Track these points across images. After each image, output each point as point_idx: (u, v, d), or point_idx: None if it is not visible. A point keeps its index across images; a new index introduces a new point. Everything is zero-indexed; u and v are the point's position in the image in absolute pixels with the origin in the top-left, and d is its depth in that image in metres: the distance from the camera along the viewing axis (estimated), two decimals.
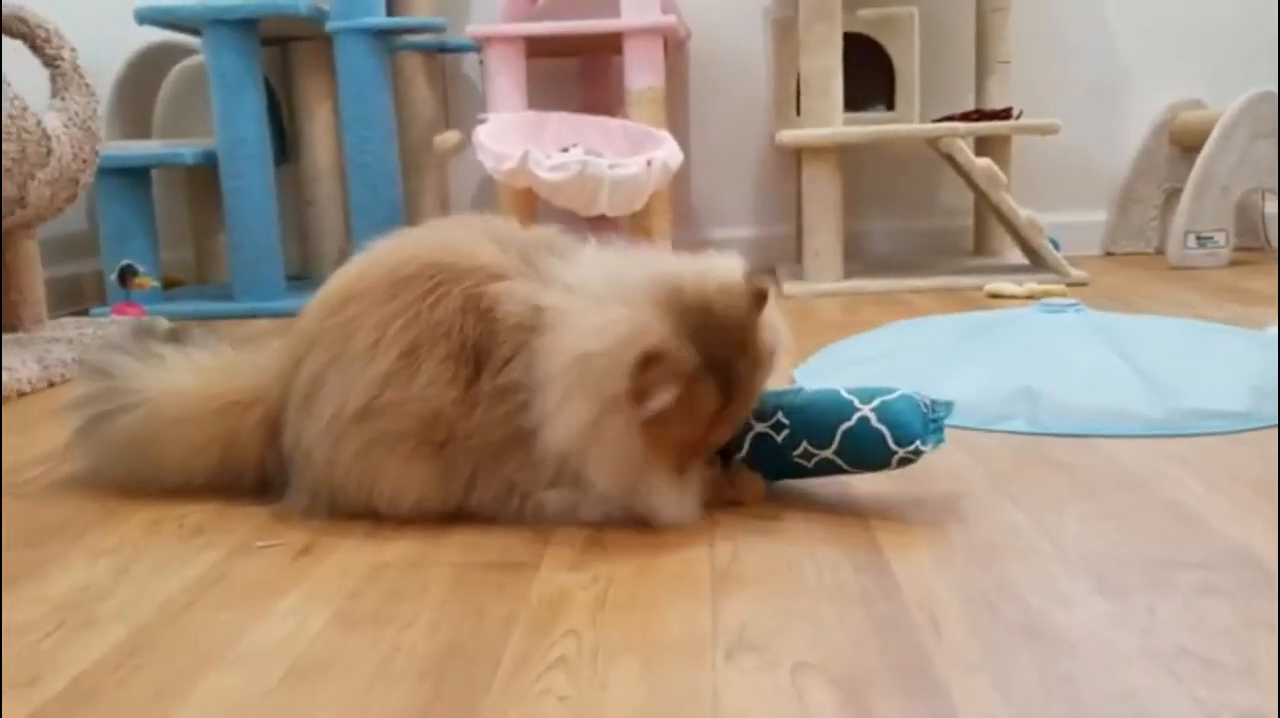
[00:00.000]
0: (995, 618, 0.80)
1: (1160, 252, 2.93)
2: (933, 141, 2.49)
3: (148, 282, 2.38)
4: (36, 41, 2.04)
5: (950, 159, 2.47)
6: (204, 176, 2.81)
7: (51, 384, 1.82)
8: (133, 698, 0.73)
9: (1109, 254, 3.00)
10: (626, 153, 2.45)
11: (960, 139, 2.42)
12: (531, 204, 2.47)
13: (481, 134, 2.29)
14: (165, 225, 2.87)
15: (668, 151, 2.31)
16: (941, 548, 0.94)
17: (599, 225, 2.51)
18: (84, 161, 2.08)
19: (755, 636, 0.79)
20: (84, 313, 2.64)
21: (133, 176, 2.55)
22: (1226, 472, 1.12)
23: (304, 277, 2.97)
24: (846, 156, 2.54)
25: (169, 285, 2.80)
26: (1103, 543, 0.94)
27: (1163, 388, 1.32)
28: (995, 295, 2.31)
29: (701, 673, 0.74)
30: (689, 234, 3.03)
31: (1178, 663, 0.72)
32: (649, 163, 2.22)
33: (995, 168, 2.43)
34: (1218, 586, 0.84)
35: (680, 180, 2.33)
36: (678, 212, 2.85)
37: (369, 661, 0.77)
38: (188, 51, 2.90)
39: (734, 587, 0.87)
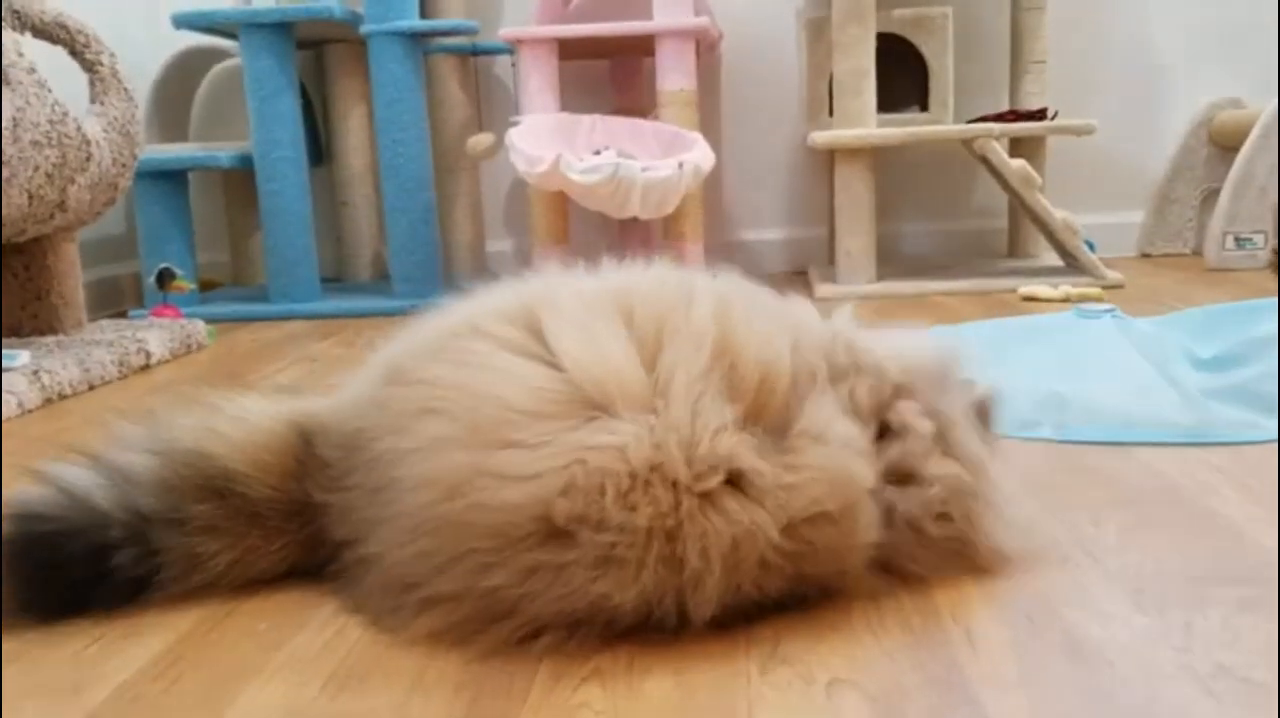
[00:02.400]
0: (1033, 634, 0.80)
1: (1197, 253, 2.90)
2: (967, 143, 2.48)
3: (185, 284, 2.41)
4: (76, 47, 2.06)
5: (985, 160, 2.46)
6: (240, 179, 2.84)
7: (92, 387, 1.85)
8: (177, 706, 0.75)
9: (1145, 255, 2.97)
10: (658, 155, 2.45)
11: (995, 140, 2.40)
12: (563, 206, 2.48)
13: (514, 136, 2.30)
14: (201, 227, 2.90)
15: (700, 154, 2.31)
16: (979, 564, 0.93)
17: (630, 227, 2.52)
18: (123, 166, 2.11)
19: (789, 650, 0.79)
20: (122, 314, 2.68)
21: (170, 180, 2.58)
22: (1263, 482, 1.11)
23: (339, 278, 2.99)
24: (880, 157, 2.53)
25: (205, 288, 2.83)
26: (1141, 556, 0.93)
27: (1193, 399, 1.31)
28: (1030, 298, 2.29)
29: (735, 688, 0.74)
30: (721, 235, 3.03)
31: (1216, 682, 0.71)
32: (681, 165, 2.22)
33: (1030, 169, 2.41)
34: (1256, 602, 0.84)
35: (712, 181, 2.33)
36: (709, 213, 2.85)
37: (406, 672, 0.78)
38: (225, 54, 2.93)
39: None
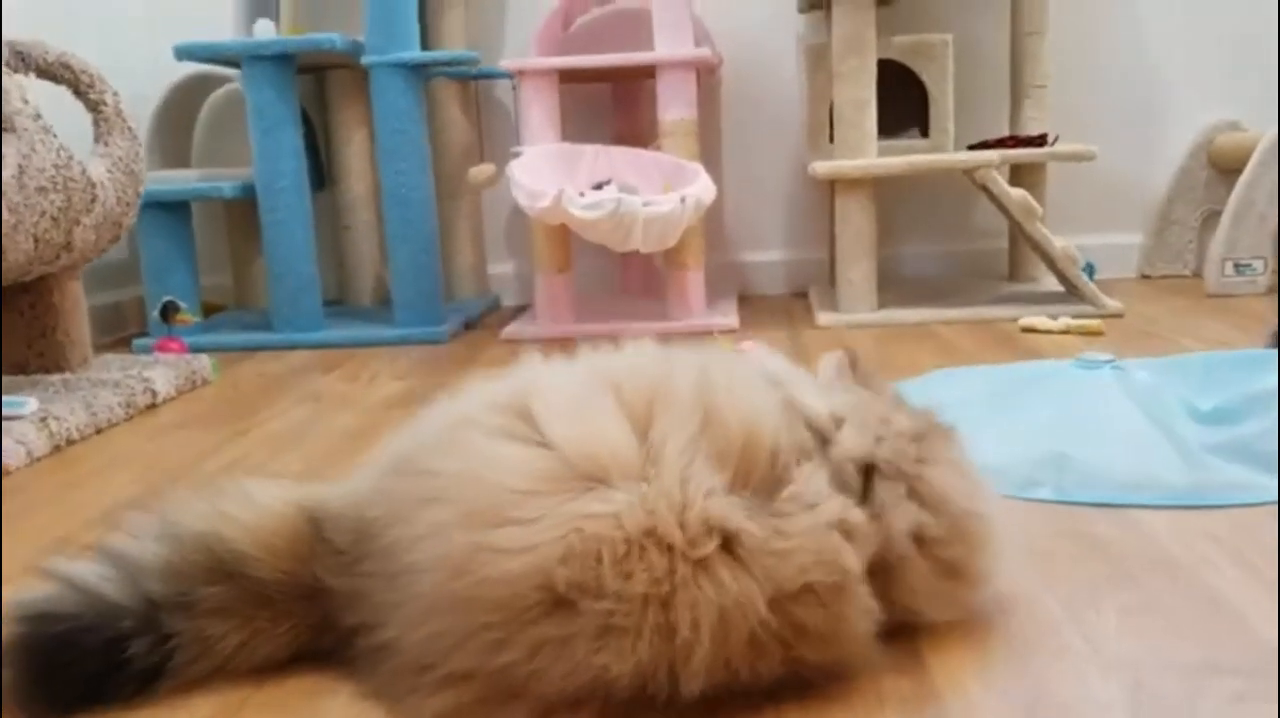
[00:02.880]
0: None
1: (1197, 274, 2.91)
2: (968, 171, 2.49)
3: (190, 318, 2.42)
4: (80, 87, 2.07)
5: (985, 189, 2.47)
6: (243, 204, 2.85)
7: (99, 430, 1.86)
8: None
9: (1145, 277, 2.99)
10: (659, 185, 2.46)
11: (994, 170, 2.42)
12: (565, 235, 2.49)
13: (515, 170, 2.31)
14: (204, 250, 2.91)
15: (701, 187, 2.32)
16: (980, 649, 0.95)
17: (632, 256, 2.53)
18: (127, 204, 2.12)
19: None
20: (126, 341, 2.69)
21: (173, 210, 2.59)
22: (1261, 552, 1.12)
23: (340, 301, 3.00)
24: (881, 183, 2.54)
25: (209, 312, 2.85)
26: (1139, 644, 0.94)
27: (1192, 457, 1.33)
28: (1029, 329, 2.30)
29: None
30: (721, 257, 3.04)
31: None
32: (683, 200, 2.24)
33: (1030, 199, 2.42)
34: (1252, 695, 0.85)
35: (713, 203, 2.34)
36: (710, 235, 2.86)
37: None
38: (225, 80, 2.94)
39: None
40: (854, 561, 0.86)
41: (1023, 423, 1.42)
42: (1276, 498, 1.27)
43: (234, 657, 0.93)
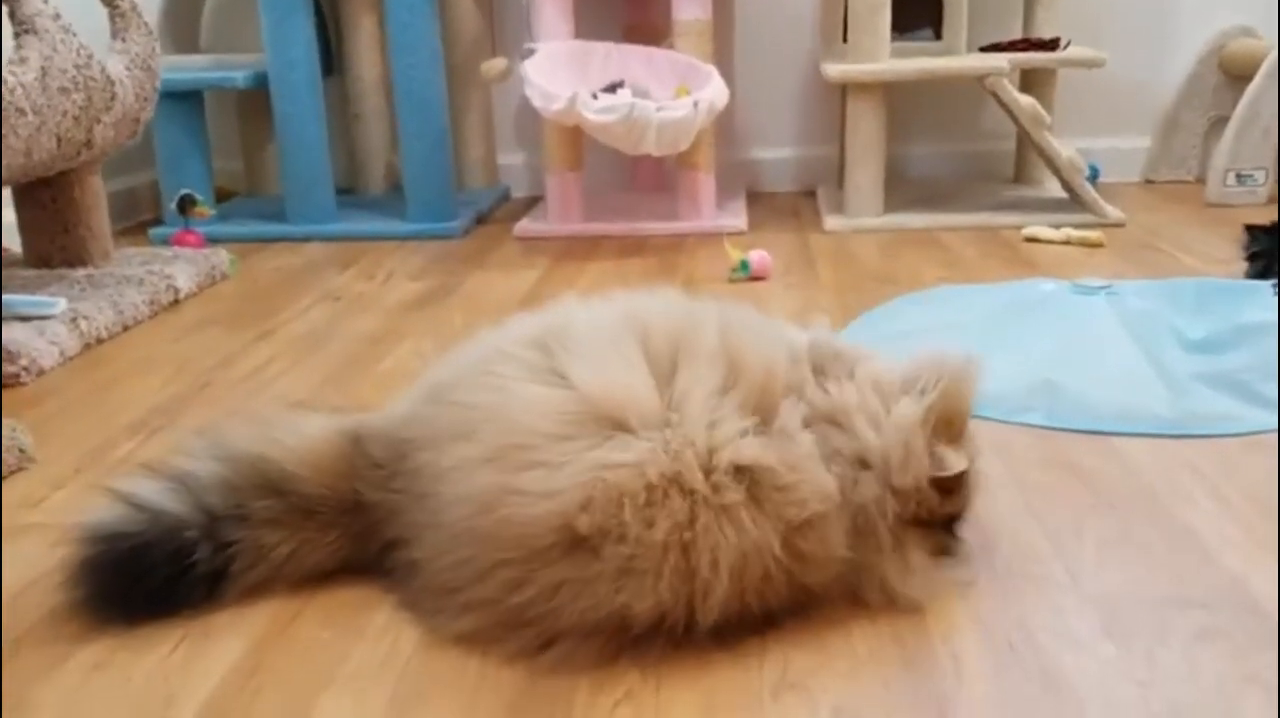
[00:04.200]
0: (1013, 662, 0.90)
1: (1200, 180, 2.94)
2: (979, 77, 2.49)
3: (207, 210, 2.46)
4: None
5: (995, 96, 2.48)
6: (255, 94, 2.85)
7: (126, 328, 1.92)
8: None
9: (1149, 182, 3.01)
10: (672, 85, 2.47)
11: (1005, 77, 2.42)
12: (577, 137, 2.51)
13: (529, 70, 2.32)
14: (215, 135, 2.92)
15: (714, 90, 2.33)
16: (966, 577, 1.03)
17: (644, 156, 2.55)
18: (145, 100, 2.14)
19: (798, 674, 0.89)
20: (141, 227, 2.73)
21: (186, 100, 2.60)
22: (1238, 486, 1.20)
23: (351, 190, 3.03)
24: (892, 84, 2.55)
25: (221, 198, 2.87)
26: (1115, 576, 1.03)
27: (1179, 386, 1.40)
28: (1032, 239, 2.35)
29: (752, 715, 0.84)
30: (731, 155, 3.06)
31: None
32: (696, 104, 2.25)
33: (1039, 108, 2.44)
34: (1215, 631, 0.94)
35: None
36: (721, 132, 2.87)
37: (461, 691, 0.88)
38: None
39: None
40: (834, 487, 0.93)
41: (1017, 350, 1.49)
42: (1259, 429, 1.34)
43: (286, 564, 1.02)
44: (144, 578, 0.97)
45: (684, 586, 0.88)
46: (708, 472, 0.89)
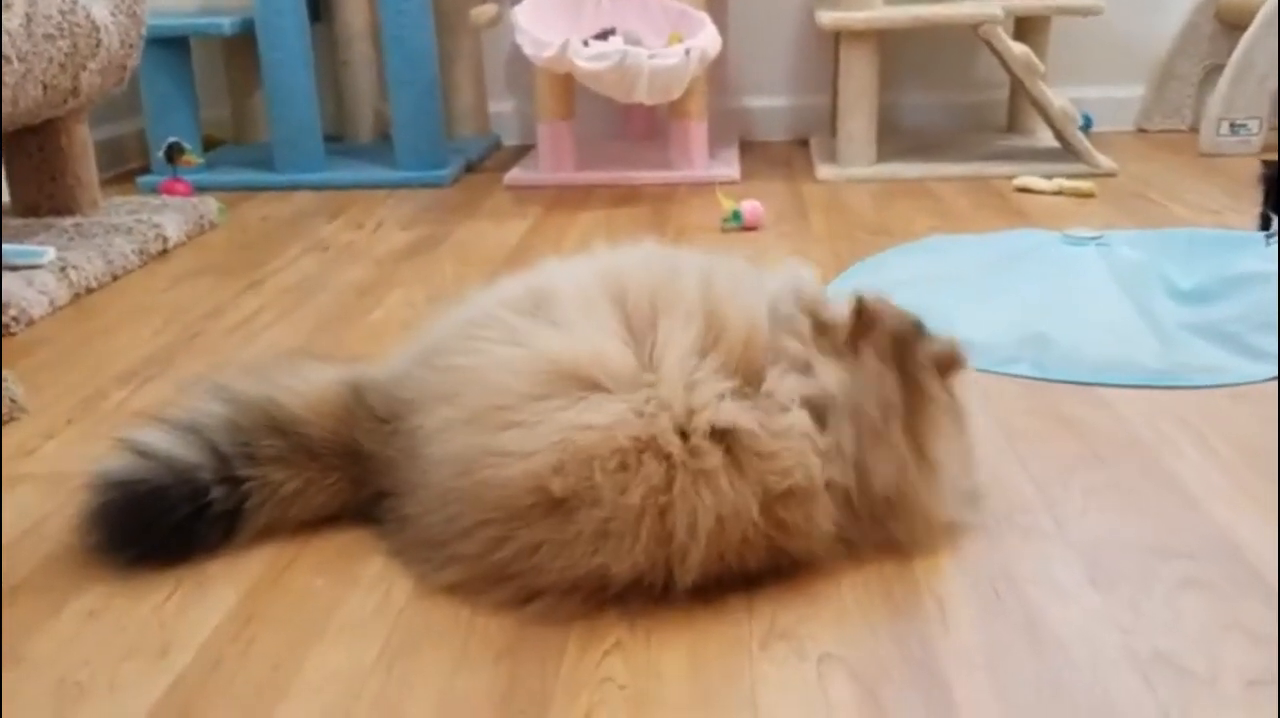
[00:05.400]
0: (997, 609, 0.91)
1: (1194, 129, 2.92)
2: (973, 24, 2.47)
3: (194, 159, 2.44)
4: None
5: (989, 44, 2.46)
6: (242, 40, 2.82)
7: (115, 278, 1.92)
8: (253, 671, 0.86)
9: (1142, 130, 3.00)
10: (665, 32, 2.45)
11: (999, 25, 2.41)
12: (569, 84, 2.49)
13: (520, 16, 2.30)
14: (202, 83, 2.89)
15: (707, 39, 2.31)
16: (954, 525, 1.04)
17: (636, 105, 2.53)
18: (130, 47, 2.11)
19: (786, 623, 0.90)
20: (129, 175, 2.71)
21: (173, 46, 2.57)
22: (1224, 436, 1.21)
23: (340, 137, 3.00)
24: (885, 32, 2.52)
25: (208, 146, 2.85)
26: (1100, 524, 1.04)
27: (1168, 337, 1.40)
28: (1024, 189, 2.34)
29: (739, 663, 0.85)
30: (724, 103, 3.03)
31: (1152, 669, 0.83)
32: (688, 52, 2.23)
33: (1032, 56, 2.42)
34: (1199, 579, 0.95)
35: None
36: (714, 80, 2.85)
37: (451, 641, 0.89)
38: None
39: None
40: (819, 472, 0.93)
41: (1007, 301, 1.49)
42: (1247, 380, 1.35)
43: (294, 503, 1.04)
44: (163, 519, 0.98)
45: (660, 549, 0.89)
46: (685, 434, 0.90)
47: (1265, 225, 1.80)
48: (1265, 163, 1.79)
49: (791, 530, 0.93)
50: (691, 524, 0.88)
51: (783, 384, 0.96)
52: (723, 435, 0.90)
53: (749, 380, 0.94)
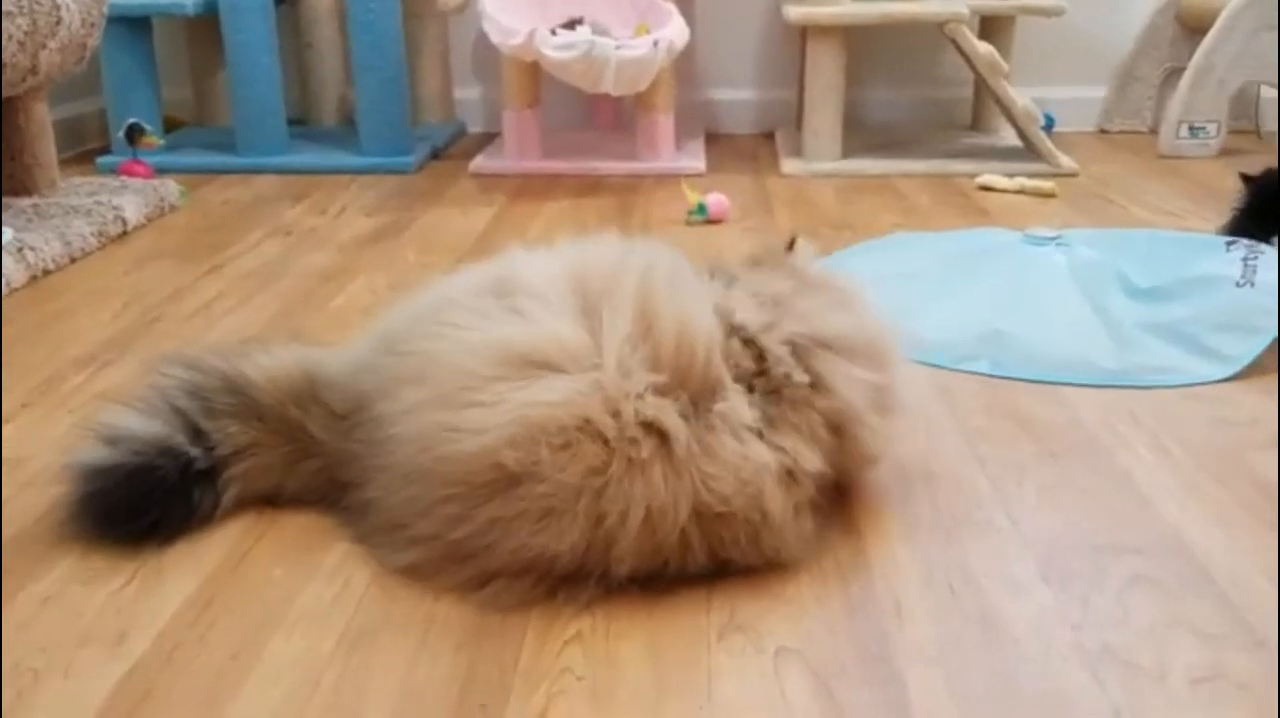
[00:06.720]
0: (952, 604, 0.93)
1: (1154, 130, 2.96)
2: (939, 22, 2.49)
3: (155, 140, 2.41)
4: None
5: (954, 42, 2.48)
6: (205, 20, 2.78)
7: (73, 259, 1.89)
8: (211, 657, 0.86)
9: (1103, 131, 3.04)
10: (632, 23, 2.45)
11: (964, 24, 2.42)
12: (535, 73, 2.48)
13: (488, 4, 2.29)
14: (164, 63, 2.86)
15: (675, 30, 2.31)
16: (910, 520, 1.05)
17: (602, 95, 2.53)
18: (91, 25, 2.08)
19: (744, 616, 0.91)
20: (89, 156, 2.67)
21: (135, 26, 2.54)
22: (1176, 437, 1.23)
23: (303, 121, 2.98)
24: (852, 27, 2.54)
25: (170, 127, 2.82)
26: (1053, 521, 1.06)
27: (1124, 337, 1.43)
28: (986, 188, 2.36)
29: (697, 654, 0.86)
30: (691, 95, 3.04)
31: (1101, 665, 0.85)
32: (656, 44, 2.24)
33: (997, 56, 2.44)
34: (1148, 576, 0.97)
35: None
36: (681, 72, 2.85)
37: (411, 631, 0.89)
38: None
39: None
40: (778, 506, 0.94)
41: (967, 299, 1.51)
42: (1200, 381, 1.37)
43: (251, 460, 1.04)
44: (155, 494, 1.00)
45: (597, 532, 0.90)
46: (617, 416, 0.91)
47: (1233, 231, 1.79)
48: (1244, 176, 1.77)
49: (734, 547, 0.94)
50: (623, 511, 0.89)
51: (743, 409, 0.96)
52: (652, 430, 0.91)
53: (683, 385, 0.95)
